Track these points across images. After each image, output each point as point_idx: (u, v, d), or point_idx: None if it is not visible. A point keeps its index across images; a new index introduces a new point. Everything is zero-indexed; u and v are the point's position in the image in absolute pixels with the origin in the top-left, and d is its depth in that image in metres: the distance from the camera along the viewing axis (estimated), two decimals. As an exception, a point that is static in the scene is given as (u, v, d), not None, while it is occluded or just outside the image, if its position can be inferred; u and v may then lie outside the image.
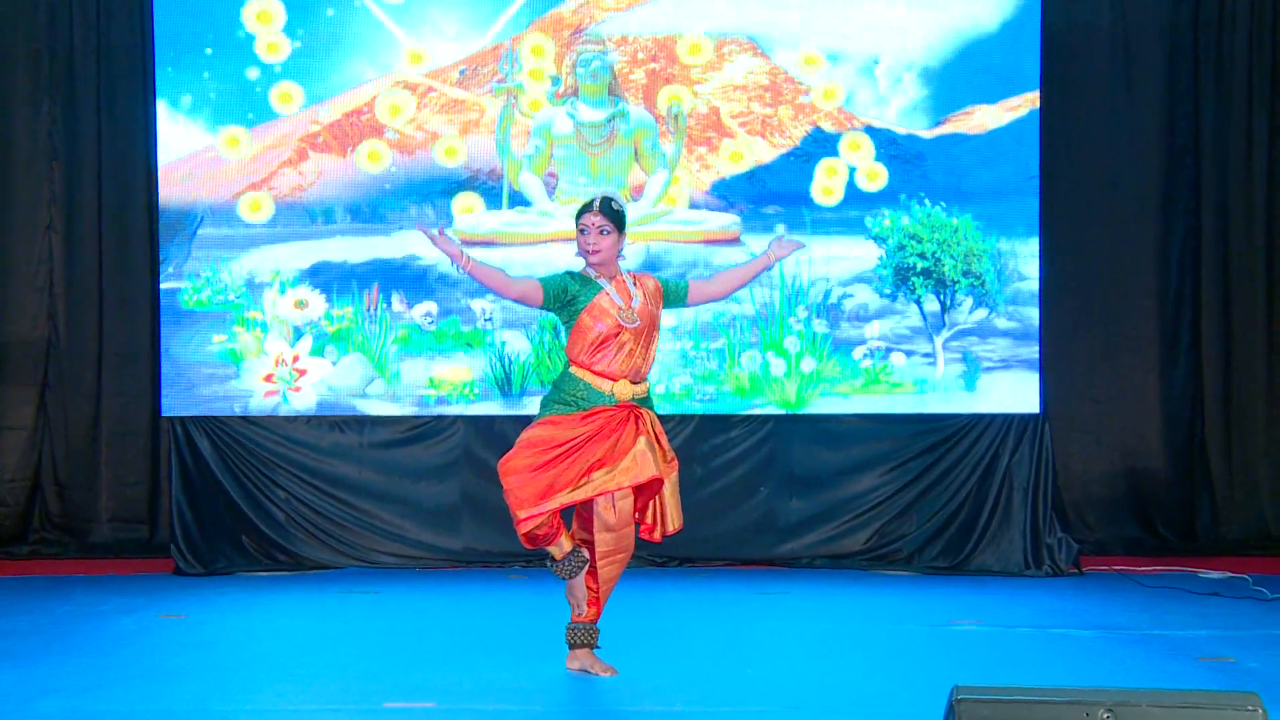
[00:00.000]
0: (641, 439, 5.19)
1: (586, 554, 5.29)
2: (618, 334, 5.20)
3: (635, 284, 5.31)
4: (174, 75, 7.96)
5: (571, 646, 5.35)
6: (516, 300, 5.35)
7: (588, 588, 5.31)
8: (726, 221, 7.93)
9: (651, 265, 7.66)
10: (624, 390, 5.22)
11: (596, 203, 5.27)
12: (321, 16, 7.96)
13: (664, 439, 5.32)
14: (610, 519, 5.23)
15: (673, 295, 5.42)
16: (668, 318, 7.78)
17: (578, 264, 5.33)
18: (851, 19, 7.93)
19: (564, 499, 5.15)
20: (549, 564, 5.34)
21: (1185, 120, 8.24)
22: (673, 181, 7.93)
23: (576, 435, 5.17)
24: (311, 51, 7.98)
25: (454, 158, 8.01)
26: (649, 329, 5.28)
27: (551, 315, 5.59)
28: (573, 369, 5.25)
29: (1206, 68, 8.22)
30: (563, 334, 5.33)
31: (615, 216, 5.26)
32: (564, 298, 5.23)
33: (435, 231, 5.36)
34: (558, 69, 7.99)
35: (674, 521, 5.33)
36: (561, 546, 5.25)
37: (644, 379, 5.30)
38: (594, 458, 5.16)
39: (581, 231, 5.26)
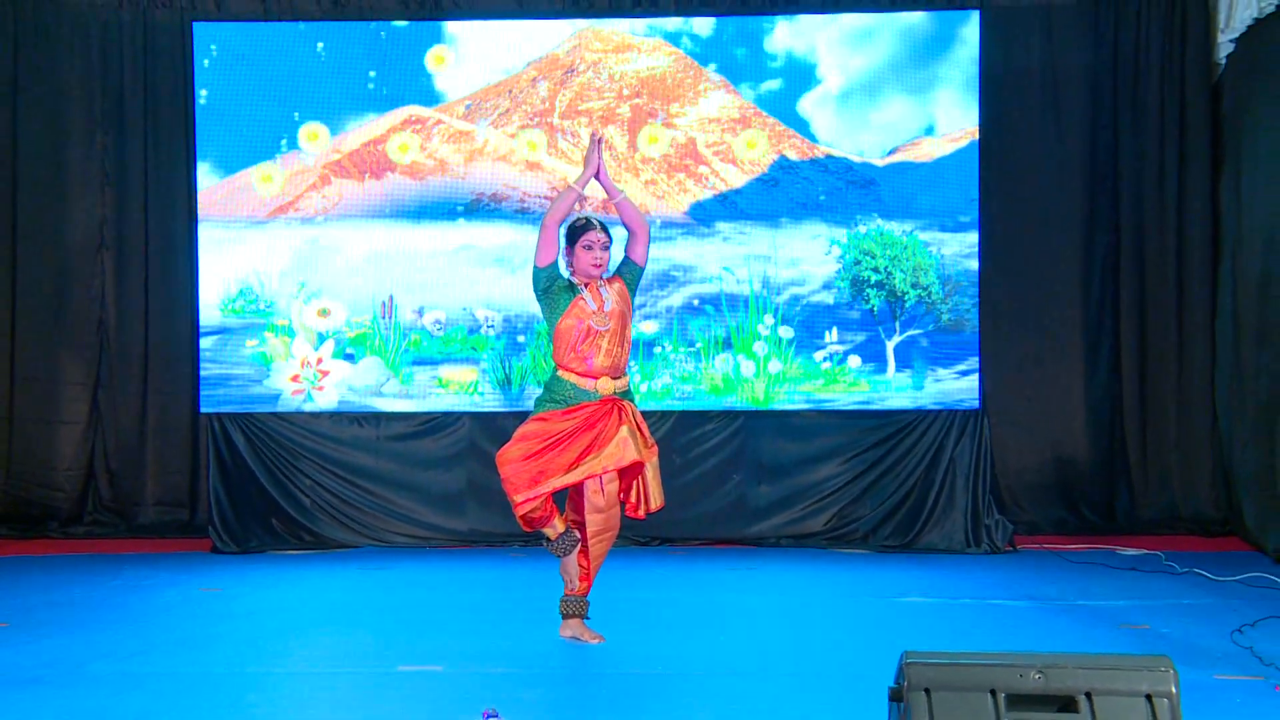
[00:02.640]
0: (624, 428, 5.18)
1: (578, 534, 5.28)
2: (594, 335, 5.19)
3: (606, 288, 5.28)
4: (211, 109, 7.97)
5: (564, 617, 5.34)
6: (544, 229, 5.16)
7: (579, 565, 5.30)
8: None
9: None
10: (606, 386, 5.21)
11: (596, 223, 5.25)
12: (348, 54, 7.98)
13: (644, 427, 5.32)
14: (599, 500, 5.23)
15: (631, 275, 5.36)
16: (650, 325, 7.84)
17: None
18: (816, 62, 7.93)
19: (556, 483, 5.14)
20: (545, 544, 5.32)
21: (1105, 151, 8.26)
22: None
23: (565, 427, 5.16)
24: (334, 85, 7.98)
25: (459, 182, 8.01)
26: (621, 329, 5.27)
27: (546, 324, 5.54)
28: (560, 372, 5.24)
29: (1124, 105, 8.23)
30: (546, 342, 5.30)
31: (610, 235, 5.28)
32: (553, 284, 5.22)
33: (603, 145, 5.27)
34: (552, 107, 7.97)
35: (656, 500, 5.33)
36: (555, 528, 5.24)
37: (623, 374, 5.29)
38: (582, 446, 5.16)
39: (587, 248, 5.20)
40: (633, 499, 5.32)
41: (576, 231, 5.25)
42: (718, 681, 4.71)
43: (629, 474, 5.27)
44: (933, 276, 7.90)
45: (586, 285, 5.24)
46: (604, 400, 5.20)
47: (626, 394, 5.30)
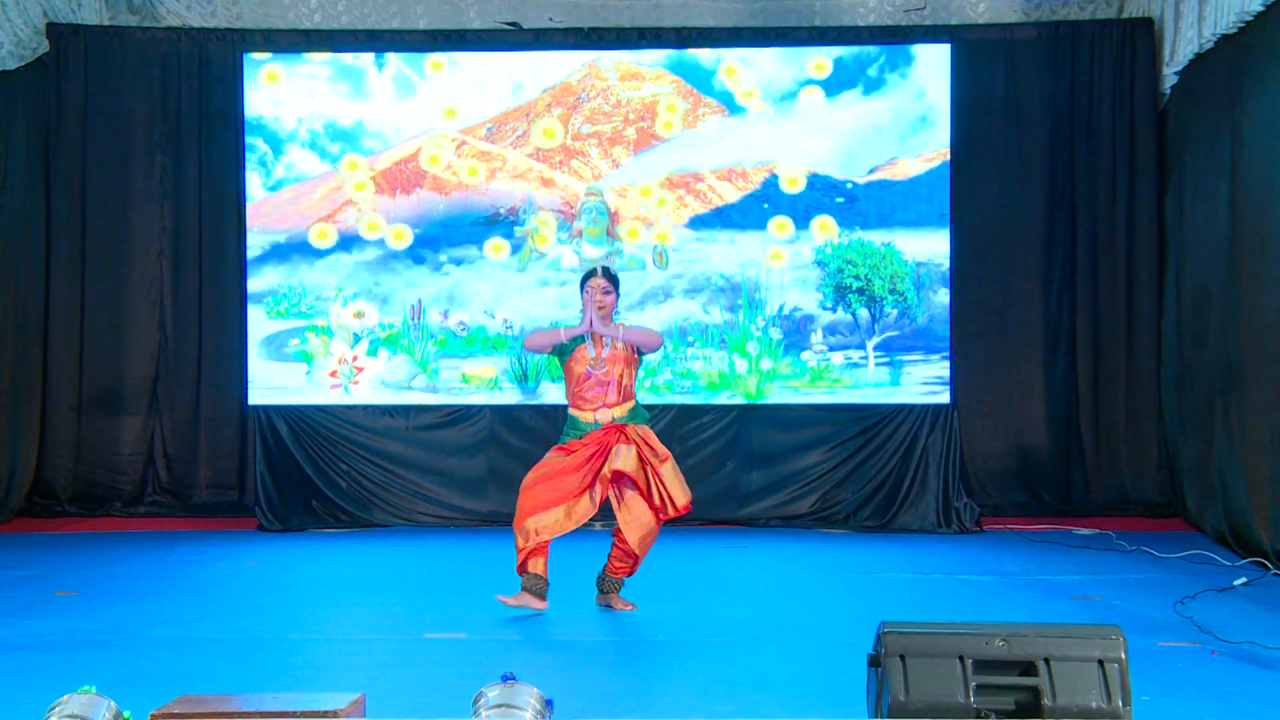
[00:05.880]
0: (619, 445, 5.18)
1: (545, 583, 5.24)
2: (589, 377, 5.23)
3: (613, 344, 5.25)
4: (259, 130, 7.97)
5: (606, 592, 5.38)
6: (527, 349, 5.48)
7: (622, 559, 5.35)
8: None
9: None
10: (605, 416, 5.22)
11: (599, 269, 5.27)
12: (378, 84, 7.98)
13: (651, 439, 5.24)
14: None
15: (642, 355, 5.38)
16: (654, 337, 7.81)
17: (573, 322, 5.37)
18: (804, 88, 7.92)
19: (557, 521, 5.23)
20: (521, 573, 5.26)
21: (1063, 170, 8.26)
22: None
23: (579, 454, 5.21)
24: (369, 111, 7.99)
25: (481, 197, 8.01)
26: (620, 376, 5.24)
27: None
28: (569, 410, 5.35)
29: (1079, 129, 8.23)
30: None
31: (614, 280, 5.28)
32: (560, 353, 5.32)
33: (590, 323, 5.23)
34: (564, 133, 7.97)
35: (680, 498, 5.20)
36: (537, 569, 5.29)
37: (620, 404, 5.25)
38: (594, 469, 5.21)
39: (589, 291, 5.25)
40: (656, 501, 5.19)
41: (582, 281, 5.33)
42: (714, 647, 4.71)
43: (635, 482, 5.19)
44: (908, 283, 7.90)
45: (592, 336, 5.25)
46: (606, 428, 5.20)
47: (630, 417, 5.25)
